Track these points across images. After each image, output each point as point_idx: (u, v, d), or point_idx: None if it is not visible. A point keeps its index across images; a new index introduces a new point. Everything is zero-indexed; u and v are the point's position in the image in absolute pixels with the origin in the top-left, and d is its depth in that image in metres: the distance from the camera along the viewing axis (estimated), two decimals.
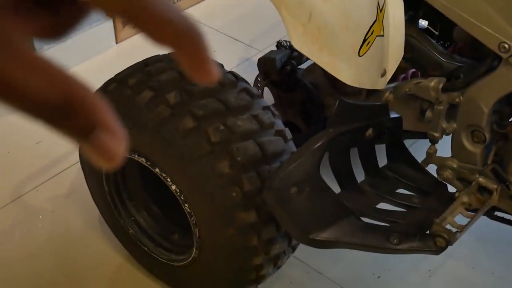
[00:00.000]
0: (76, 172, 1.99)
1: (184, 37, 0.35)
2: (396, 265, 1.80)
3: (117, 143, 0.32)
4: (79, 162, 1.67)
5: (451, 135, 1.48)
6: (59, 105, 0.31)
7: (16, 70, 0.30)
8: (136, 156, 1.43)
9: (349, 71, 1.29)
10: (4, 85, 0.30)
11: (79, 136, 0.32)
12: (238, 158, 1.32)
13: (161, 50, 1.53)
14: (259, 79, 1.86)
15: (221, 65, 1.48)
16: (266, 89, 1.88)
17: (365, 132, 1.39)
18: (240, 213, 1.34)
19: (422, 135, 1.53)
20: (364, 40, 1.28)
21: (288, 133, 1.44)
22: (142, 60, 1.49)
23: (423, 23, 1.62)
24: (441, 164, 1.50)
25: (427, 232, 1.35)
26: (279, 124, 1.43)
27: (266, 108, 1.42)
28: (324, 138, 1.28)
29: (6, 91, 0.30)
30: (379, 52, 1.34)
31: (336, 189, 1.44)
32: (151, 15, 0.34)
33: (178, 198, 1.40)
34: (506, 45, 1.27)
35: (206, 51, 0.36)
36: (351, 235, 1.30)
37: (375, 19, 1.30)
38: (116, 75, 1.47)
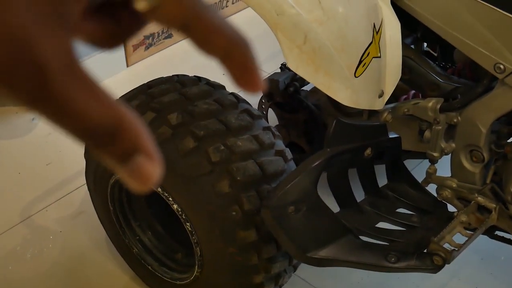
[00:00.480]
0: (84, 193, 2.02)
1: (235, 47, 0.36)
2: (399, 285, 1.81)
3: (153, 168, 0.33)
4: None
5: (450, 155, 1.49)
6: (107, 128, 0.31)
7: (76, 91, 0.30)
8: None
9: (345, 91, 1.31)
10: (63, 102, 0.30)
11: (120, 159, 0.33)
12: (238, 178, 1.34)
13: (169, 73, 1.57)
14: (263, 101, 1.89)
15: (223, 86, 1.51)
16: (270, 110, 1.91)
17: (363, 152, 1.41)
18: (240, 232, 1.36)
19: (422, 155, 1.55)
20: (360, 62, 1.30)
21: (289, 153, 1.46)
22: (146, 82, 1.52)
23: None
24: (441, 183, 1.52)
25: (425, 250, 1.36)
26: (280, 144, 1.45)
27: (266, 128, 1.45)
28: (321, 157, 1.30)
29: (64, 112, 0.31)
30: (376, 73, 1.37)
31: (336, 208, 1.46)
32: (206, 26, 0.35)
33: (180, 217, 1.42)
34: (502, 66, 1.29)
35: (255, 61, 0.37)
36: (349, 253, 1.32)
37: (371, 41, 1.32)
38: (120, 97, 1.51)
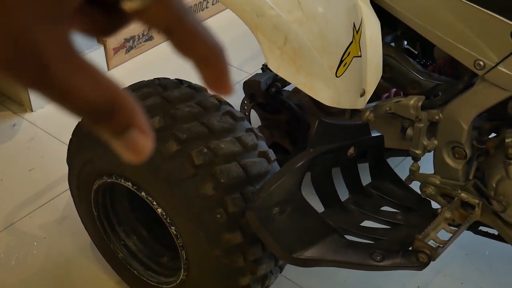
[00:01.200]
0: (68, 198, 2.01)
1: (212, 53, 0.39)
2: (386, 283, 1.81)
3: (146, 140, 0.37)
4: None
5: (432, 152, 1.50)
6: (104, 106, 0.35)
7: (75, 76, 0.34)
8: (123, 180, 1.45)
9: (327, 91, 1.31)
10: (63, 87, 0.33)
11: (116, 133, 0.36)
12: (222, 180, 1.34)
13: (150, 76, 1.56)
14: (245, 102, 1.89)
15: (205, 89, 1.51)
16: (253, 111, 1.91)
17: (346, 151, 1.42)
18: (225, 235, 1.36)
19: (404, 153, 1.55)
20: (341, 61, 1.31)
21: (272, 154, 1.46)
22: (128, 86, 1.52)
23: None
24: (424, 180, 1.52)
25: (410, 248, 1.37)
26: (263, 146, 1.45)
27: (249, 130, 1.44)
28: (304, 158, 1.30)
29: (65, 94, 0.34)
30: (357, 72, 1.37)
31: (320, 207, 1.46)
32: (188, 30, 0.38)
33: (164, 221, 1.42)
34: (481, 63, 1.30)
35: (228, 67, 0.40)
36: (334, 253, 1.32)
37: (351, 40, 1.33)
38: None
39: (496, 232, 1.53)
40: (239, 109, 1.86)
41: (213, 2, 3.00)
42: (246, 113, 1.89)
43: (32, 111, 2.43)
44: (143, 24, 0.39)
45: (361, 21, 1.37)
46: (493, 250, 1.89)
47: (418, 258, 1.33)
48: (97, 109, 0.35)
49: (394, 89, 1.69)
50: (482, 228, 1.57)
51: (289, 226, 1.30)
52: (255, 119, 1.94)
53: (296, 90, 1.83)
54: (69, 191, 1.70)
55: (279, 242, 1.28)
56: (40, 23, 0.32)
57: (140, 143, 0.36)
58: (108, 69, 2.64)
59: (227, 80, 0.40)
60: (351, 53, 1.32)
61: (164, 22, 0.38)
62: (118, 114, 0.35)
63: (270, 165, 1.43)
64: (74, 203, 1.69)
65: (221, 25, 2.98)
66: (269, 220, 1.27)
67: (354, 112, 1.60)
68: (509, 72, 1.27)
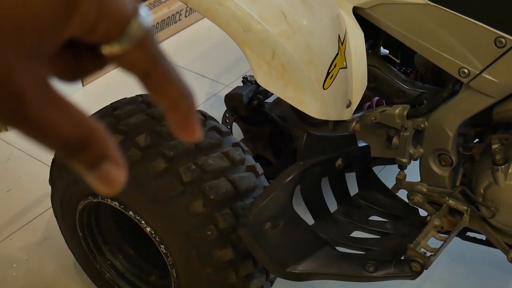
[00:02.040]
0: (48, 218, 1.98)
1: (182, 99, 0.40)
2: None
3: (119, 173, 0.38)
4: (51, 209, 1.66)
5: (419, 160, 1.50)
6: (79, 142, 0.36)
7: (51, 112, 0.35)
8: (109, 200, 1.43)
9: (315, 104, 1.31)
10: (39, 123, 0.34)
11: (90, 166, 0.37)
12: (211, 197, 1.33)
13: (126, 93, 1.54)
14: (227, 115, 1.88)
15: None
16: (235, 124, 1.90)
17: (334, 163, 1.41)
18: (216, 251, 1.35)
19: (391, 162, 1.56)
20: (328, 73, 1.30)
21: (259, 168, 1.45)
22: (110, 104, 1.50)
23: (385, 51, 1.66)
24: (411, 189, 1.53)
25: (402, 257, 1.37)
26: (250, 160, 1.44)
27: (236, 144, 1.44)
28: (294, 171, 1.30)
29: (40, 131, 0.35)
30: (343, 84, 1.37)
31: (310, 220, 1.45)
32: (163, 77, 0.39)
33: (154, 239, 1.40)
34: (466, 70, 1.31)
35: (196, 114, 0.41)
36: (327, 265, 1.31)
37: (337, 52, 1.32)
38: None
39: (484, 237, 1.53)
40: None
41: (185, 14, 2.98)
42: (228, 126, 1.88)
43: (7, 130, 2.39)
44: (121, 68, 0.39)
45: (346, 32, 1.37)
46: (478, 254, 1.90)
47: (411, 268, 1.33)
48: (71, 144, 0.35)
49: (376, 98, 1.70)
50: (469, 233, 1.58)
51: (282, 241, 1.29)
52: (236, 132, 1.93)
53: (277, 102, 1.82)
54: (49, 211, 1.67)
55: (272, 257, 1.27)
56: (19, 62, 0.33)
57: (113, 176, 0.37)
58: (83, 85, 2.61)
59: (194, 125, 0.41)
60: (337, 65, 1.32)
61: (142, 66, 0.39)
62: (91, 148, 0.36)
63: (258, 179, 1.42)
64: (58, 223, 1.66)
65: (194, 37, 2.97)
66: (262, 236, 1.26)
67: (337, 123, 1.60)
68: (493, 79, 1.28)
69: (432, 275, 1.84)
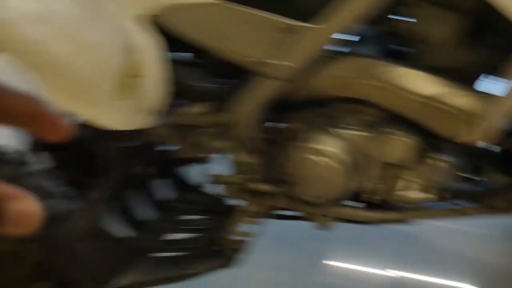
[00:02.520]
0: None
1: (30, 106, 0.37)
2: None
3: (30, 205, 0.33)
4: None
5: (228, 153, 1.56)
6: None
7: None
8: None
9: (109, 115, 1.32)
10: None
11: None
12: None
13: None
14: (33, 146, 1.84)
15: None
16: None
17: (141, 172, 1.44)
18: (36, 284, 1.33)
19: (202, 160, 1.60)
20: (120, 84, 1.32)
21: (72, 193, 1.44)
22: None
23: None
24: (225, 181, 1.58)
25: (218, 249, 1.42)
26: (60, 187, 1.43)
27: (44, 174, 1.42)
28: (100, 189, 1.31)
29: None
30: (140, 92, 1.39)
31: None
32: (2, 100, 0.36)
33: None
34: (253, 59, 1.38)
35: (51, 110, 0.37)
36: (147, 273, 1.34)
37: (125, 62, 1.34)
38: None
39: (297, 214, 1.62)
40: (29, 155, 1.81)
41: None
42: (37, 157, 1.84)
43: None
44: None
45: (136, 42, 1.38)
46: (290, 230, 1.97)
47: (227, 255, 1.39)
48: None
49: (177, 101, 1.73)
50: (284, 213, 1.66)
51: (97, 259, 1.30)
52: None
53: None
54: None
55: (90, 277, 1.28)
56: None
57: (24, 210, 0.33)
58: None
59: (60, 121, 0.38)
60: (129, 74, 1.33)
61: None
62: None
63: (70, 203, 1.42)
64: None
65: None
66: (76, 258, 1.27)
67: (144, 131, 1.62)
68: (277, 63, 1.36)
69: (252, 259, 1.91)
